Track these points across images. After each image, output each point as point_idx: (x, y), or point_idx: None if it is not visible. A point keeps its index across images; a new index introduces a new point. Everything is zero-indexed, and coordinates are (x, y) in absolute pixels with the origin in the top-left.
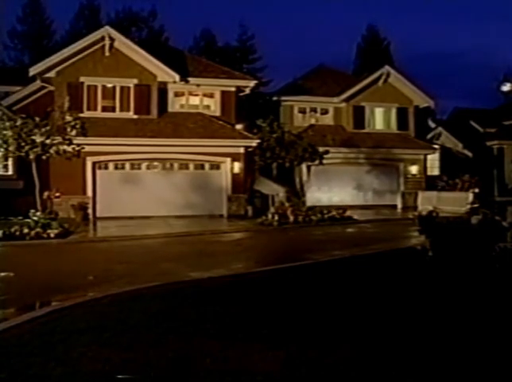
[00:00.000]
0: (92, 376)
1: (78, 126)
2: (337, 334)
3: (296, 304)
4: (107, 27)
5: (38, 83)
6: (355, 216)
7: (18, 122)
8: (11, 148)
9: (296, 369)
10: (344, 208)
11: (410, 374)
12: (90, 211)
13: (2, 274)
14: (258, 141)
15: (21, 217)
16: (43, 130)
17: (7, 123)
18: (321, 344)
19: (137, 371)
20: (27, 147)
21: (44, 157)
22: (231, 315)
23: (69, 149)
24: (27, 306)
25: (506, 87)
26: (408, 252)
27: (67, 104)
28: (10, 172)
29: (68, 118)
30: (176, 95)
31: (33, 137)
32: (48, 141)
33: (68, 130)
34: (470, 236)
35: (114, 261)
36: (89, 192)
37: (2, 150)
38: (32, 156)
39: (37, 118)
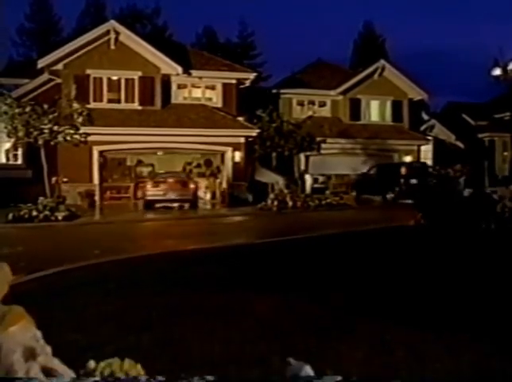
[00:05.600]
0: (96, 317)
1: (84, 113)
2: (334, 287)
3: (299, 265)
4: (113, 21)
5: (46, 76)
6: (352, 203)
7: (27, 109)
8: (20, 134)
9: (294, 308)
10: (341, 195)
11: (398, 319)
12: (97, 198)
13: (11, 249)
14: (258, 131)
15: (30, 204)
16: (50, 116)
17: (16, 110)
18: (317, 294)
19: (140, 313)
20: (35, 133)
21: (52, 143)
22: (232, 273)
23: (76, 135)
24: (34, 271)
25: (496, 72)
26: (403, 227)
27: (74, 92)
28: (20, 161)
29: (75, 105)
30: (179, 87)
31: (42, 125)
32: (55, 127)
33: (75, 117)
34: (460, 206)
35: (120, 239)
36: (95, 181)
37: (12, 135)
38: (40, 142)
39: (45, 106)
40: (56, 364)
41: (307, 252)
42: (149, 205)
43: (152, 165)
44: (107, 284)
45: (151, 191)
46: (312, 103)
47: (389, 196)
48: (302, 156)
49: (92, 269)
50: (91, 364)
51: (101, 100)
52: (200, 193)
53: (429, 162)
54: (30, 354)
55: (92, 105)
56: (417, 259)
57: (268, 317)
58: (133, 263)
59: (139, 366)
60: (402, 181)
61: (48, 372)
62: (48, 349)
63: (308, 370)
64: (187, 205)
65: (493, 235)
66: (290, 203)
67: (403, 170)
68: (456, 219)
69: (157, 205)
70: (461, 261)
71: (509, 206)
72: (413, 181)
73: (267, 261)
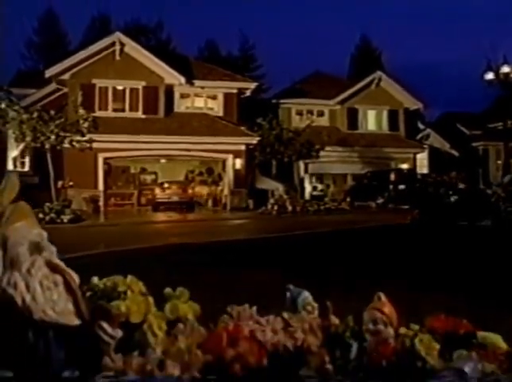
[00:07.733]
0: None
1: (90, 119)
2: (335, 269)
3: (299, 251)
4: (118, 33)
5: (53, 86)
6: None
7: (34, 115)
8: (28, 139)
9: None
10: (339, 200)
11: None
12: (101, 204)
13: None
14: (259, 138)
15: (37, 210)
16: (57, 122)
17: (24, 116)
18: (315, 273)
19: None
20: (42, 138)
21: (58, 147)
22: (227, 259)
23: (82, 140)
24: None
25: (489, 76)
26: (399, 224)
27: (80, 99)
28: (27, 168)
29: (81, 111)
30: (182, 96)
31: (48, 131)
32: (61, 133)
33: (81, 122)
34: (455, 200)
35: (124, 238)
36: (100, 187)
37: (20, 140)
38: (47, 146)
39: (52, 112)
40: (61, 263)
41: (304, 244)
42: (157, 206)
43: (155, 173)
44: (109, 267)
45: (159, 195)
46: (310, 112)
47: (379, 201)
48: (301, 163)
49: (97, 257)
50: (95, 279)
51: (106, 109)
52: (202, 200)
53: (425, 170)
54: (35, 248)
55: (98, 113)
56: (413, 243)
57: (265, 283)
58: (136, 252)
59: (141, 284)
60: (391, 186)
61: (53, 267)
62: (53, 249)
63: (307, 295)
64: (185, 206)
65: (487, 220)
66: (290, 208)
67: (392, 176)
68: (452, 209)
69: (163, 207)
70: (453, 244)
71: (502, 196)
72: (402, 186)
73: (261, 251)
